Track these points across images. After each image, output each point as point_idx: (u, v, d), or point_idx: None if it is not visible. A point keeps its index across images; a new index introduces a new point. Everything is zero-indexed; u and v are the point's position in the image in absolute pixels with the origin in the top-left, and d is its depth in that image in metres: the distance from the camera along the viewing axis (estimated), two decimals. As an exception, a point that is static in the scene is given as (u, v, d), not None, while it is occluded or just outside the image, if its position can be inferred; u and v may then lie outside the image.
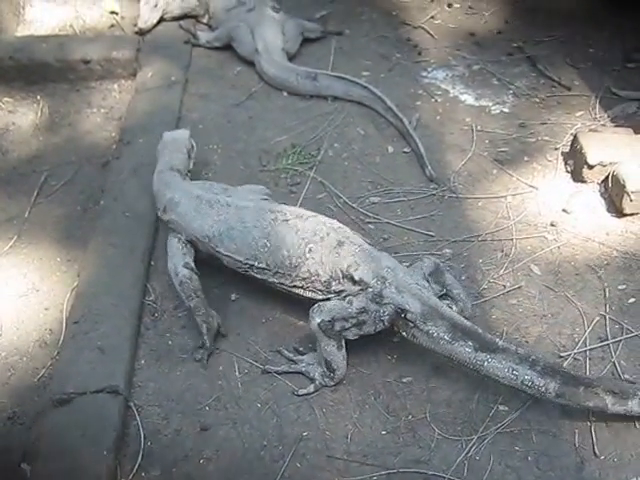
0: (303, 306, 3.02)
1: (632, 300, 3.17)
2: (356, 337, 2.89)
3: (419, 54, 4.78)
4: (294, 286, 3.05)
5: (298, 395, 2.86)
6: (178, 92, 4.32)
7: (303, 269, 3.00)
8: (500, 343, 2.75)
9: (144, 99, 4.24)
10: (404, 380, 2.90)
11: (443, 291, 3.07)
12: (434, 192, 3.74)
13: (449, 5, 5.30)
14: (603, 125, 4.12)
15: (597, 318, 3.09)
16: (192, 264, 3.18)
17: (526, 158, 3.93)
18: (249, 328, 3.11)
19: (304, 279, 3.01)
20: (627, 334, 3.02)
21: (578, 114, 4.23)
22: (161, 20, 4.98)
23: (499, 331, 3.05)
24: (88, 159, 4.03)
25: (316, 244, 2.99)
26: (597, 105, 4.28)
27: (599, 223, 3.54)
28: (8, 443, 2.78)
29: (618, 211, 3.55)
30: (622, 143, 3.74)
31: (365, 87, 4.26)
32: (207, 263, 3.25)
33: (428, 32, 5.00)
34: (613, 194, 3.58)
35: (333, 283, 2.96)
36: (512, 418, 2.75)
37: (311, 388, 2.88)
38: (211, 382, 2.91)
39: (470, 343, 2.76)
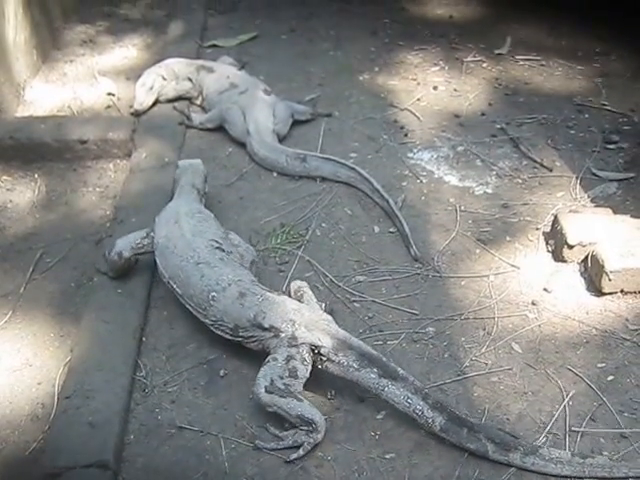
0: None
1: (611, 378, 3.23)
2: (302, 384, 3.06)
3: (405, 135, 4.89)
4: (207, 323, 3.32)
5: (289, 461, 2.91)
6: (171, 172, 4.38)
7: (210, 313, 3.27)
8: (400, 372, 2.99)
9: (138, 179, 4.35)
10: (387, 456, 2.93)
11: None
12: (418, 271, 3.82)
13: (434, 88, 5.44)
14: (583, 205, 4.21)
15: (577, 396, 3.15)
16: (125, 257, 3.60)
17: (508, 238, 4.02)
18: (237, 404, 3.15)
19: (213, 321, 3.28)
20: (605, 411, 3.08)
21: (559, 195, 4.34)
22: (156, 102, 5.13)
23: (481, 408, 3.10)
24: (83, 236, 4.11)
25: (218, 293, 3.25)
26: (577, 186, 4.39)
27: (579, 302, 3.61)
28: (-1, 517, 2.81)
29: (597, 290, 3.63)
30: (601, 224, 3.83)
31: (352, 168, 4.36)
32: (196, 338, 3.34)
33: (414, 114, 5.12)
34: (592, 274, 3.67)
35: (240, 330, 3.21)
36: (492, 494, 2.78)
37: (301, 452, 2.93)
38: (199, 457, 2.94)
39: (375, 370, 3.01)
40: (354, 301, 3.65)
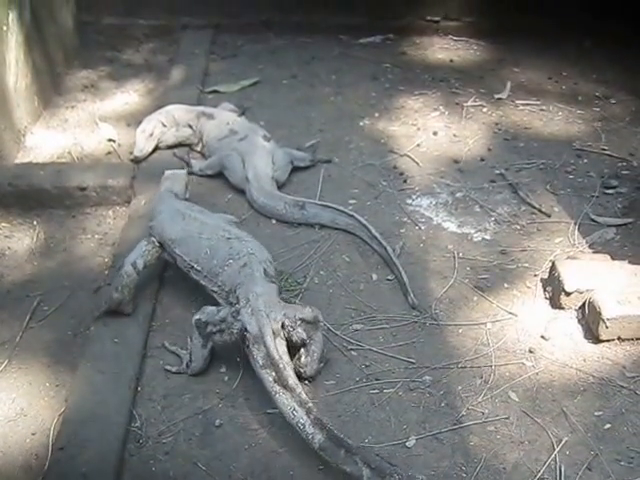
0: (285, 434, 3.16)
1: (608, 426, 3.22)
2: (220, 343, 3.41)
3: (404, 182, 4.90)
4: (212, 290, 3.64)
5: (165, 369, 3.51)
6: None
7: (219, 279, 3.59)
8: (291, 382, 3.11)
9: (137, 226, 4.32)
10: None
11: (307, 341, 3.40)
12: (416, 319, 3.81)
13: (434, 133, 5.47)
14: (582, 251, 4.22)
15: (573, 445, 3.13)
16: (140, 266, 3.79)
17: (506, 285, 4.02)
18: (231, 454, 3.13)
19: (219, 286, 3.60)
20: (602, 460, 3.06)
21: (557, 240, 4.34)
22: (156, 148, 5.15)
23: (477, 458, 3.08)
24: (81, 284, 4.09)
25: (234, 261, 3.57)
26: (576, 232, 4.39)
27: (576, 349, 3.61)
28: None
29: (595, 337, 3.62)
30: (599, 270, 3.84)
31: (351, 215, 4.36)
32: (191, 389, 3.34)
33: (413, 160, 5.14)
34: (590, 321, 3.67)
35: (230, 296, 3.50)
36: None
37: (174, 369, 3.51)
38: (193, 509, 2.94)
39: (272, 374, 3.16)
40: (351, 349, 3.64)
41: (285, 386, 3.10)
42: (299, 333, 3.36)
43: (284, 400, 3.08)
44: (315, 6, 7.13)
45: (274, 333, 3.25)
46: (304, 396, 3.07)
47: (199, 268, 3.69)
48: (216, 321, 3.37)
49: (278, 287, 3.60)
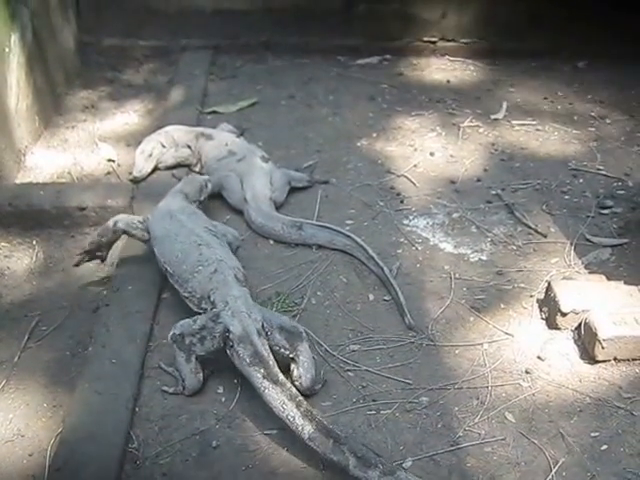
0: (283, 455, 3.17)
1: (604, 447, 3.22)
2: (203, 353, 3.44)
3: (401, 202, 4.92)
4: (184, 296, 3.76)
5: (163, 390, 3.52)
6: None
7: (189, 285, 3.71)
8: (280, 377, 3.21)
9: (136, 246, 4.31)
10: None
11: (293, 353, 3.47)
12: (413, 340, 3.82)
13: (431, 154, 5.49)
14: (577, 272, 4.23)
15: (570, 466, 3.13)
16: (120, 226, 4.11)
17: (502, 305, 4.03)
18: (229, 475, 3.13)
19: (189, 292, 3.72)
20: (598, 482, 3.07)
21: (553, 261, 4.36)
22: (155, 169, 5.18)
23: (474, 479, 3.08)
24: (79, 304, 4.10)
25: (204, 268, 3.69)
26: (572, 252, 4.41)
27: (572, 370, 3.61)
28: None
29: (591, 358, 3.63)
30: (594, 290, 3.85)
31: (348, 236, 4.38)
32: (188, 409, 3.35)
33: (410, 180, 5.16)
34: (586, 341, 3.68)
35: (203, 302, 3.62)
36: None
37: (170, 390, 3.50)
38: (190, 530, 2.94)
39: (261, 370, 3.24)
40: (348, 370, 3.65)
41: (275, 381, 3.18)
42: (277, 339, 3.44)
43: (274, 395, 3.15)
44: (313, 27, 7.21)
45: (258, 332, 3.36)
46: (294, 390, 3.17)
47: (171, 271, 3.83)
48: (194, 331, 3.42)
49: (250, 292, 3.69)
